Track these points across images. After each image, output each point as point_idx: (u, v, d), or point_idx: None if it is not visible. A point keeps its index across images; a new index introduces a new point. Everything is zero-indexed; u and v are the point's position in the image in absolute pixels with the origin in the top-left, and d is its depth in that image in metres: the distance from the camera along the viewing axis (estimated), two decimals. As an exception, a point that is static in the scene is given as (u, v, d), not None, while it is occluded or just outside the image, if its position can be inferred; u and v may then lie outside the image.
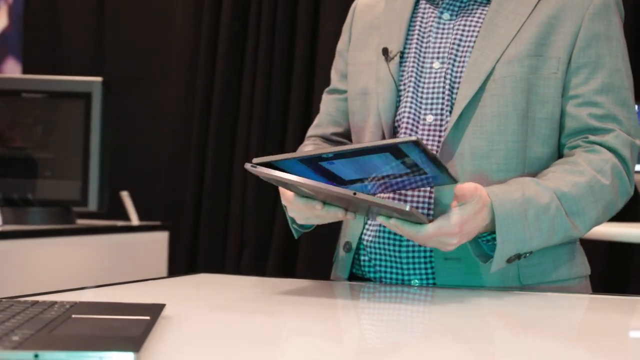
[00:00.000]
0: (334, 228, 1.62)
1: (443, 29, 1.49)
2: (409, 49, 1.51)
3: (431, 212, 1.42)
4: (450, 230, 1.27)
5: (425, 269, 1.44)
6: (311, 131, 1.67)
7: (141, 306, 1.04)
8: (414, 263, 1.45)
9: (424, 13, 1.52)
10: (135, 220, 2.99)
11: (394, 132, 1.48)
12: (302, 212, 1.35)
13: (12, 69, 4.06)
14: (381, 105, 1.49)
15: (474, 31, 1.46)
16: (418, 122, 1.46)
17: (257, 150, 3.57)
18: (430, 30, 1.50)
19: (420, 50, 1.50)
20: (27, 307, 0.98)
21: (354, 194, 1.17)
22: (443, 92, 1.46)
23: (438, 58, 1.48)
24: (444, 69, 1.46)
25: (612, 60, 1.45)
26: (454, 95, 1.45)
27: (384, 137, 1.48)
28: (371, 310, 1.30)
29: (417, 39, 1.51)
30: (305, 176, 1.22)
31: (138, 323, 0.92)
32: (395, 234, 1.45)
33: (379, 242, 1.47)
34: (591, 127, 1.43)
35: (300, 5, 3.56)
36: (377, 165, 1.23)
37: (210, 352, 0.90)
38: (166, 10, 3.92)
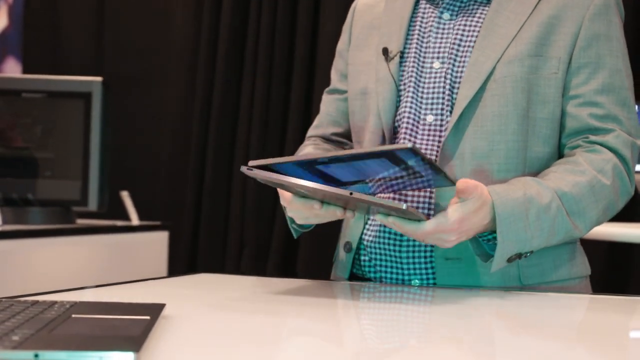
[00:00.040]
0: (334, 228, 1.62)
1: (443, 29, 1.49)
2: (409, 49, 1.51)
3: (431, 212, 1.42)
4: (449, 227, 1.27)
5: (426, 269, 1.44)
6: (311, 131, 1.67)
7: (141, 306, 1.04)
8: (414, 263, 1.45)
9: (424, 13, 1.52)
10: (135, 220, 2.99)
11: (394, 133, 1.48)
12: (300, 211, 1.35)
13: (12, 69, 4.06)
14: (381, 106, 1.49)
15: (474, 31, 1.46)
16: (418, 122, 1.46)
17: (257, 150, 3.57)
18: (430, 30, 1.50)
19: (421, 50, 1.50)
20: (27, 307, 0.98)
21: (350, 194, 1.17)
22: (443, 92, 1.45)
23: (438, 58, 1.48)
24: (444, 69, 1.46)
25: (613, 60, 1.45)
26: (454, 95, 1.44)
27: (384, 137, 1.48)
28: (371, 310, 1.30)
29: (417, 38, 1.51)
30: (302, 178, 1.22)
31: (138, 323, 0.92)
32: (395, 234, 1.45)
33: (379, 242, 1.47)
34: (592, 127, 1.43)
35: (300, 5, 3.56)
36: (374, 169, 1.23)
37: (210, 352, 0.90)
38: (166, 10, 3.92)
